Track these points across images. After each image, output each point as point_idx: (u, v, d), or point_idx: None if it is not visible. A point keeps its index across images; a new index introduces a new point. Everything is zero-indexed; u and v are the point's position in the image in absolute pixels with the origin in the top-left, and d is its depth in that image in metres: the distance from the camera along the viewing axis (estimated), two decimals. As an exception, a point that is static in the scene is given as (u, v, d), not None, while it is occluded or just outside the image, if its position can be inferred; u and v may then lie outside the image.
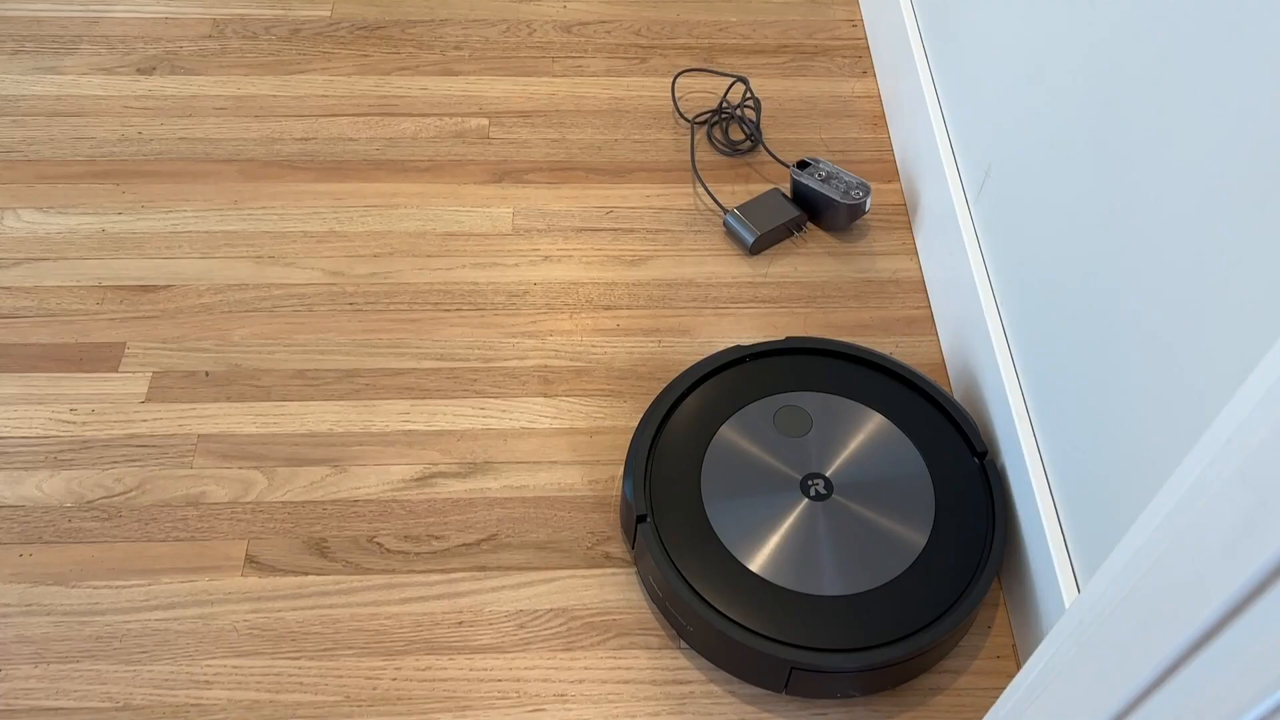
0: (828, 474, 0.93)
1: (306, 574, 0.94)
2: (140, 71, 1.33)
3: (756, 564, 0.88)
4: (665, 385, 0.99)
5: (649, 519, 0.90)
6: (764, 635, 0.85)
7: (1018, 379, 0.95)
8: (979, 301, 1.01)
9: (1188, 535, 0.45)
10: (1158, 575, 0.47)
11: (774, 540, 0.90)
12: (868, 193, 1.16)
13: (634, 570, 0.95)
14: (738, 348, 1.00)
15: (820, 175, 1.18)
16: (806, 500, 0.91)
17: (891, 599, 0.87)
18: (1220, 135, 0.65)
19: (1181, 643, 0.46)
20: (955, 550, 0.90)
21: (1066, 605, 0.82)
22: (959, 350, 1.06)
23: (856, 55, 1.39)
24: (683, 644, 0.91)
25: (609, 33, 1.40)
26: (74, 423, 1.03)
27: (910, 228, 1.21)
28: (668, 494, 0.92)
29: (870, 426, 0.96)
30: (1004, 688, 0.82)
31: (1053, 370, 0.89)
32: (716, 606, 0.86)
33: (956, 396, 1.06)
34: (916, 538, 0.90)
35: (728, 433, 0.95)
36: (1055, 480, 0.88)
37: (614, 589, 0.94)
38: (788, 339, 1.02)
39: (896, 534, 0.90)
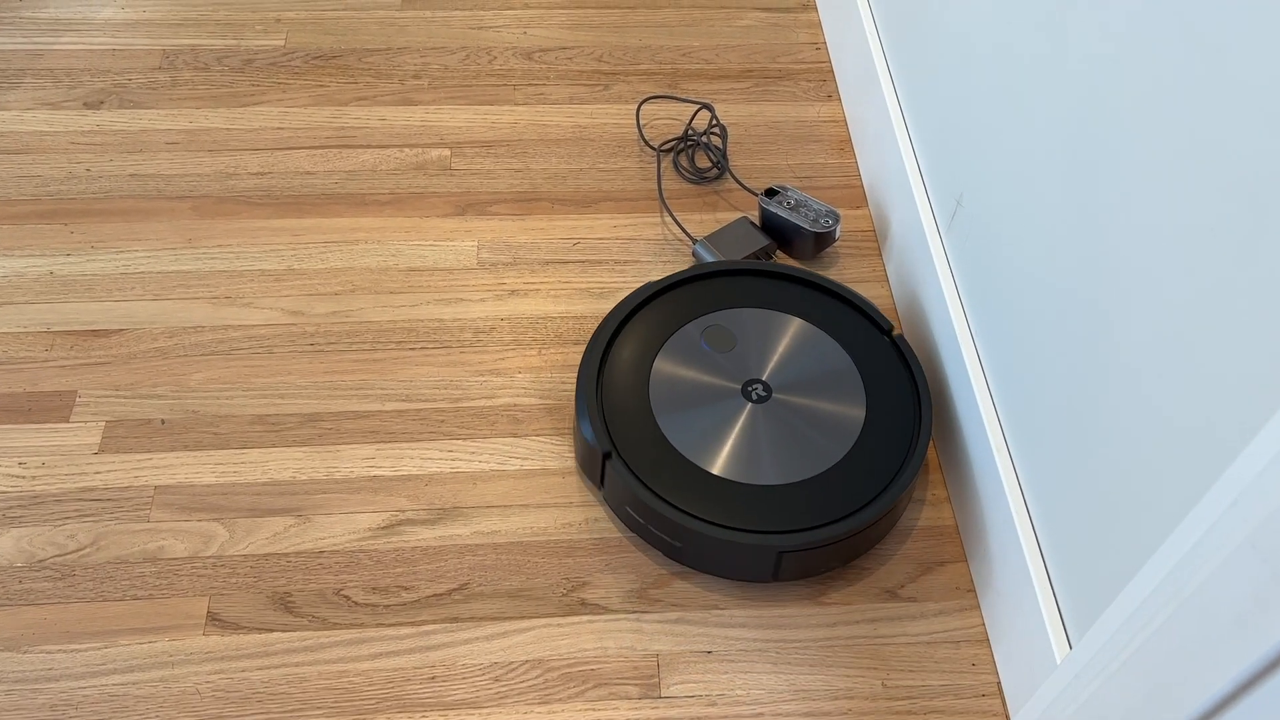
0: (764, 378, 1.00)
1: (271, 631, 0.91)
2: (87, 105, 1.29)
3: (722, 468, 0.95)
4: (592, 333, 1.06)
5: (614, 454, 0.95)
6: (750, 530, 0.91)
7: (995, 412, 0.94)
8: (954, 333, 1.00)
9: (1195, 602, 0.44)
10: (1162, 641, 0.46)
11: (729, 444, 0.96)
12: (837, 220, 1.15)
13: (612, 617, 0.93)
14: (649, 284, 1.06)
15: (789, 203, 1.16)
16: (750, 404, 0.98)
17: (849, 472, 0.95)
18: (1209, 166, 0.64)
19: (1190, 715, 0.44)
20: (891, 417, 0.98)
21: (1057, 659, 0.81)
22: (933, 379, 1.05)
23: (820, 79, 1.38)
24: (661, 693, 0.89)
25: (570, 59, 1.38)
26: (23, 477, 0.99)
27: (880, 254, 1.19)
28: (624, 428, 0.97)
29: (790, 329, 1.04)
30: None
31: (1031, 405, 0.88)
32: (700, 515, 0.92)
33: (933, 428, 1.05)
34: (856, 415, 0.98)
35: (664, 361, 1.01)
36: (1036, 510, 0.87)
37: (590, 637, 0.92)
38: (691, 268, 1.08)
39: (838, 416, 0.98)
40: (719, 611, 0.93)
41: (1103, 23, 0.76)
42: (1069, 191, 0.81)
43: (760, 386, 1.00)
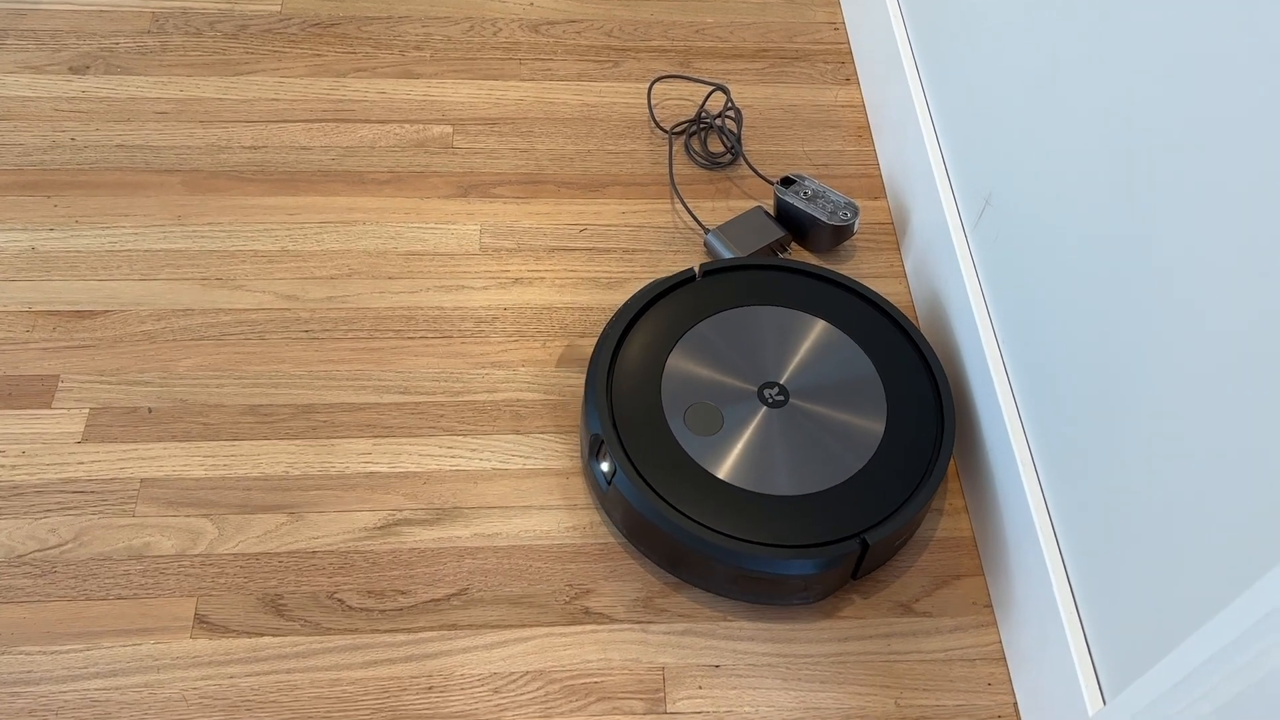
0: (782, 381, 0.95)
1: (261, 635, 0.87)
2: (73, 70, 1.23)
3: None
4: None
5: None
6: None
7: (1020, 422, 0.90)
8: (978, 338, 0.96)
9: (1273, 687, 0.40)
10: None
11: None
12: (856, 213, 1.10)
13: (617, 626, 0.89)
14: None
15: (806, 194, 1.12)
16: (765, 409, 0.94)
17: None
18: (1262, 169, 0.60)
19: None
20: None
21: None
22: (954, 382, 1.01)
23: (839, 61, 1.32)
24: (667, 708, 0.86)
25: (579, 33, 1.33)
26: (2, 466, 0.94)
27: (899, 249, 1.15)
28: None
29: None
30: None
31: (1060, 422, 0.84)
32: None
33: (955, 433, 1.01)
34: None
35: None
36: (1063, 532, 0.83)
37: (594, 648, 0.88)
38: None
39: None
40: (727, 623, 0.90)
41: (1158, 12, 0.72)
42: (1113, 200, 0.77)
43: (777, 390, 0.95)
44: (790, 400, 0.95)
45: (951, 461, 1.00)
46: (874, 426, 0.93)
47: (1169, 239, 0.70)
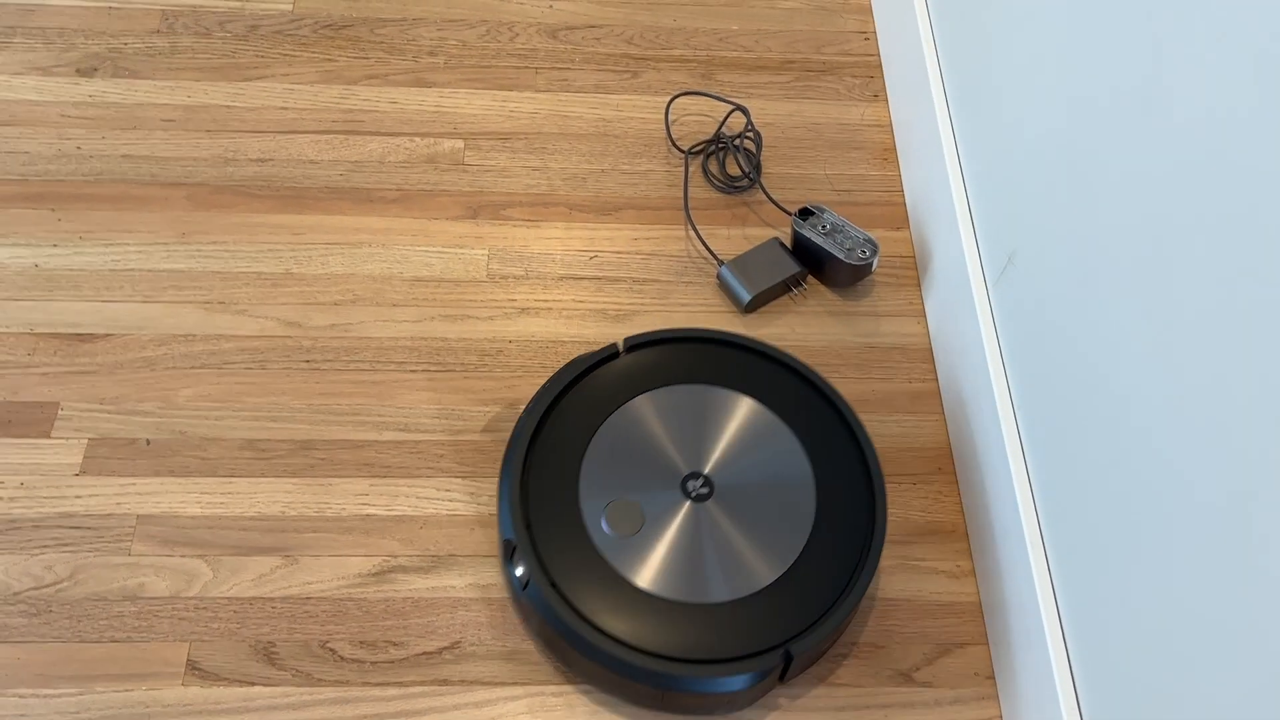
0: (706, 471, 0.89)
1: (253, 684, 0.87)
2: (80, 72, 1.21)
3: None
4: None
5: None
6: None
7: (1030, 489, 0.87)
8: (992, 395, 0.92)
9: None
10: None
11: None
12: (875, 251, 1.06)
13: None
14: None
15: (824, 227, 1.08)
16: (690, 503, 0.88)
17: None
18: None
19: None
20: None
21: None
22: (962, 441, 0.98)
23: (868, 74, 1.27)
24: (658, 774, 0.85)
25: (598, 39, 1.28)
26: (1, 498, 0.94)
27: (919, 285, 1.11)
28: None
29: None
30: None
31: (1072, 497, 0.81)
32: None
33: (960, 488, 0.99)
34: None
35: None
36: (1066, 608, 0.81)
37: (585, 711, 0.87)
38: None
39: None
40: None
41: (1213, 86, 0.67)
42: (1144, 285, 0.73)
43: (701, 481, 0.89)
44: (714, 493, 0.89)
45: (961, 518, 0.98)
46: (802, 524, 0.87)
47: (1201, 329, 0.66)
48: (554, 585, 0.84)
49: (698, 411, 0.93)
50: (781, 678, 0.85)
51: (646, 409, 0.93)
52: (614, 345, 0.95)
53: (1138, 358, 0.72)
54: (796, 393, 0.94)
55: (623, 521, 0.87)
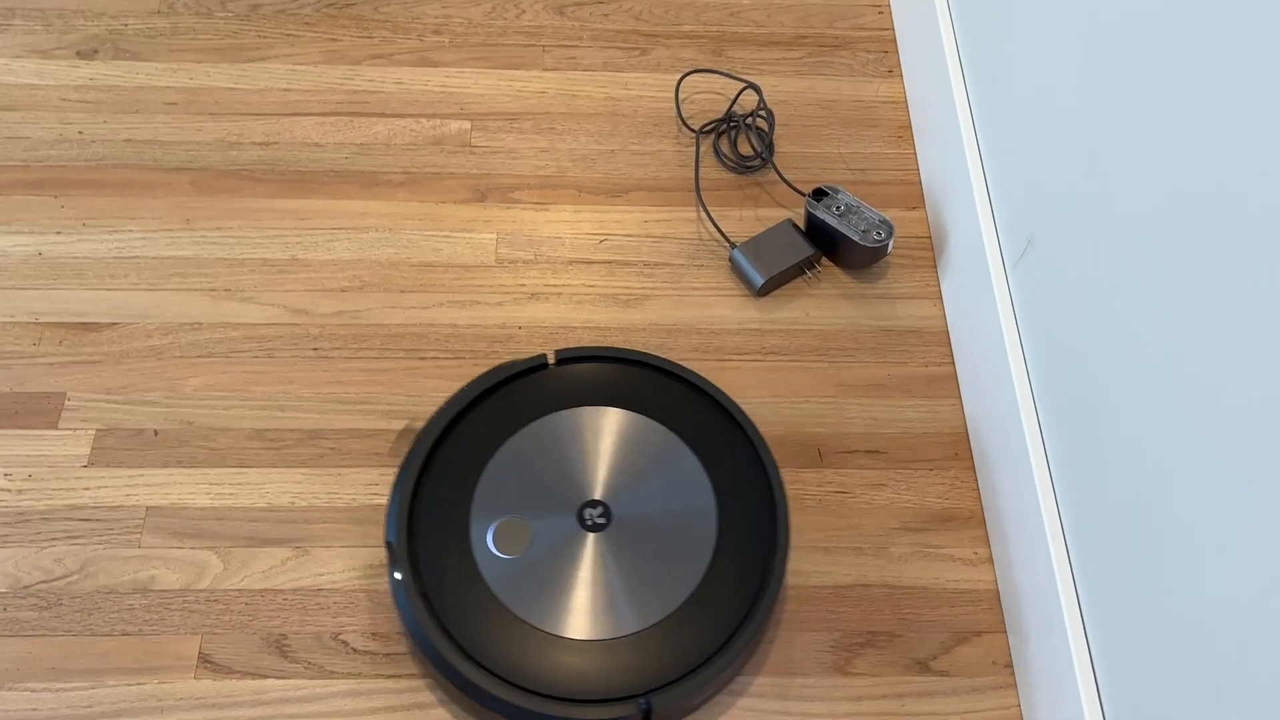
0: (600, 497, 0.87)
1: (265, 677, 0.87)
2: (80, 55, 1.19)
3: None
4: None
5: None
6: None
7: (1050, 478, 0.86)
8: (1011, 381, 0.91)
9: None
10: None
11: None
12: (890, 233, 1.04)
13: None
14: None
15: (838, 209, 1.06)
16: (589, 534, 0.85)
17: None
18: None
19: None
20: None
21: None
22: (980, 430, 0.96)
23: (882, 50, 1.25)
24: (673, 766, 0.84)
25: (606, 16, 1.26)
26: (9, 490, 0.93)
27: (935, 266, 1.09)
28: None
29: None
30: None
31: (1093, 486, 0.80)
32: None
33: (978, 474, 0.97)
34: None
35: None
36: (1085, 596, 0.80)
37: (600, 701, 0.86)
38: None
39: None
40: (741, 677, 0.88)
41: (1242, 62, 0.65)
42: (1168, 270, 0.71)
43: (600, 511, 0.86)
44: (611, 524, 0.86)
45: (979, 505, 0.96)
46: (694, 569, 0.84)
47: (1225, 313, 0.64)
48: (424, 596, 0.82)
49: (616, 436, 0.90)
50: None
51: (564, 426, 0.90)
52: (543, 356, 0.93)
53: (1160, 343, 0.71)
54: (719, 429, 0.90)
55: (510, 541, 0.84)
